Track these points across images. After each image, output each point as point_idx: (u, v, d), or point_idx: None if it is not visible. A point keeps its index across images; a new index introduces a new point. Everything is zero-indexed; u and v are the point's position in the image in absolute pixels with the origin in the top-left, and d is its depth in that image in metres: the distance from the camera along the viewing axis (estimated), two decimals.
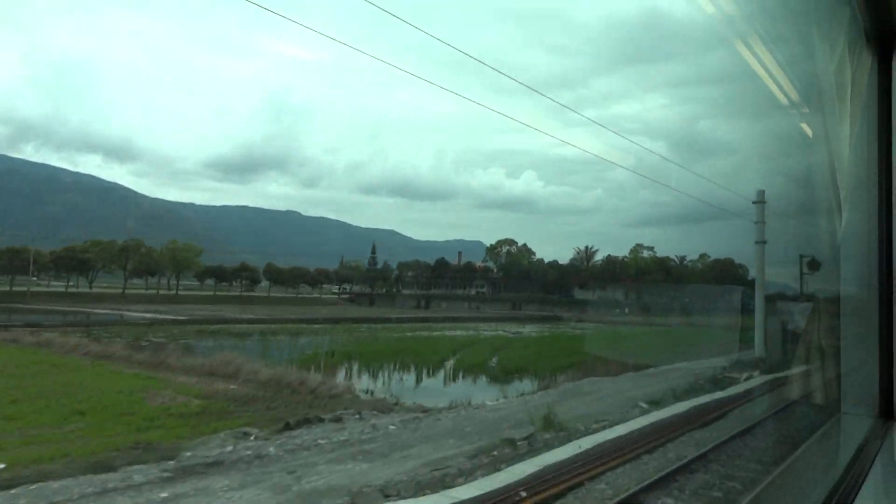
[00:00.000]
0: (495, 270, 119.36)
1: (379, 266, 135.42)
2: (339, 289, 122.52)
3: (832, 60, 3.42)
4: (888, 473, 2.52)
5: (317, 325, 52.44)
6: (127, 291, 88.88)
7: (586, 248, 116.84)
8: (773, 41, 3.83)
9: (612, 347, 39.67)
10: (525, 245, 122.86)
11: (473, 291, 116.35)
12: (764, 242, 27.77)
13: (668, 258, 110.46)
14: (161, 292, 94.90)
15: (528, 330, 58.05)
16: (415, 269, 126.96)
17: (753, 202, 27.56)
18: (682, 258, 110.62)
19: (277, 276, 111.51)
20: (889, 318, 3.15)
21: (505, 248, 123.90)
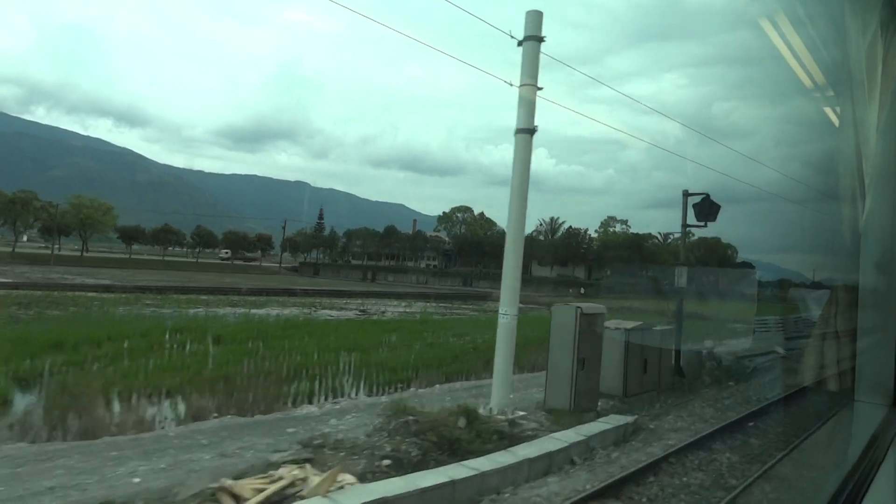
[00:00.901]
0: (447, 241, 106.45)
1: (326, 232, 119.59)
2: (287, 258, 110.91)
3: (863, 42, 3.32)
4: None
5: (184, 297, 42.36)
6: (18, 251, 77.21)
7: (551, 219, 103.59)
8: (799, 20, 3.72)
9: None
10: (482, 214, 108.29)
11: (424, 264, 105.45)
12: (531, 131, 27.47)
13: (649, 235, 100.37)
14: (67, 254, 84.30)
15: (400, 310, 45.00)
16: (363, 237, 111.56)
17: None
18: (667, 235, 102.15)
19: (208, 240, 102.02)
20: None
21: (460, 216, 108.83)
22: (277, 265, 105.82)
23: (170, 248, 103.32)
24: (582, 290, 76.30)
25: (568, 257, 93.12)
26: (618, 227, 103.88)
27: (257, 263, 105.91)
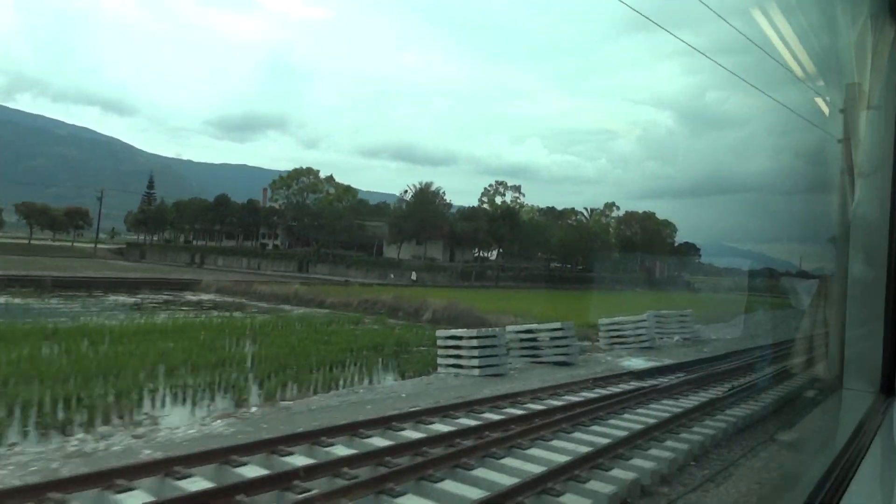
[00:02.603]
0: (281, 209, 78.58)
1: (154, 205, 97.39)
2: (108, 236, 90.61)
3: (853, 33, 3.35)
4: (888, 449, 2.56)
5: None
6: None
7: (420, 183, 73.82)
8: (791, 11, 3.74)
9: None
10: (332, 177, 76.65)
11: (265, 243, 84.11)
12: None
13: (572, 210, 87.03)
14: None
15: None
16: (193, 210, 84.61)
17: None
18: (593, 210, 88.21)
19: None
20: (895, 295, 3.16)
21: (296, 184, 74.56)
22: (92, 246, 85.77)
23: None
24: (414, 277, 59.31)
25: (420, 232, 66.87)
26: (508, 196, 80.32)
27: (70, 244, 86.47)
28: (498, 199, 79.55)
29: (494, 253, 76.13)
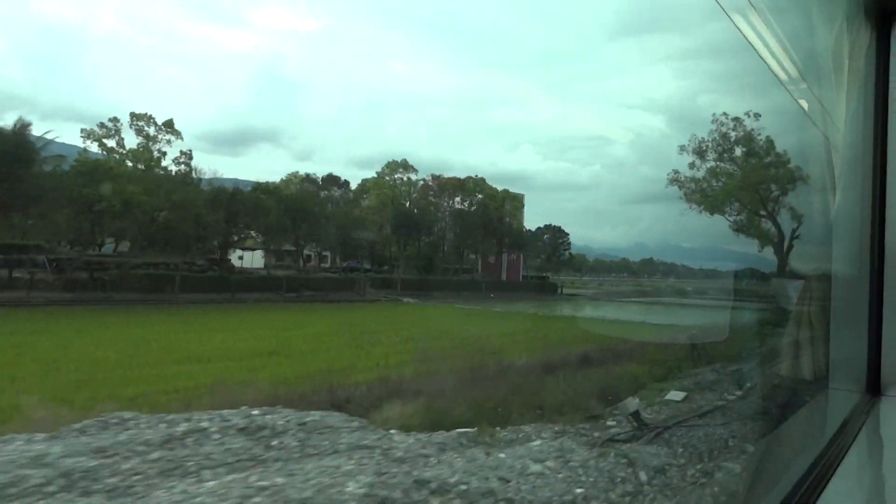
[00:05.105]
0: None
1: None
2: None
3: (830, 36, 3.39)
4: (872, 446, 2.57)
5: None
6: None
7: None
8: (771, 14, 3.79)
9: None
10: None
11: None
12: None
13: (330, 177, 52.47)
14: None
15: None
16: None
17: None
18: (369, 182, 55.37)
19: None
20: (879, 296, 3.17)
21: None
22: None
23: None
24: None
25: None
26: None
27: None
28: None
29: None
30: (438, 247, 54.75)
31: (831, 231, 3.45)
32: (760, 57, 4.15)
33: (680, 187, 30.05)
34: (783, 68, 4.20)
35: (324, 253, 50.97)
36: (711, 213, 29.48)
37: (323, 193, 51.92)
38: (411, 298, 40.93)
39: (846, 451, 2.22)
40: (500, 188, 57.67)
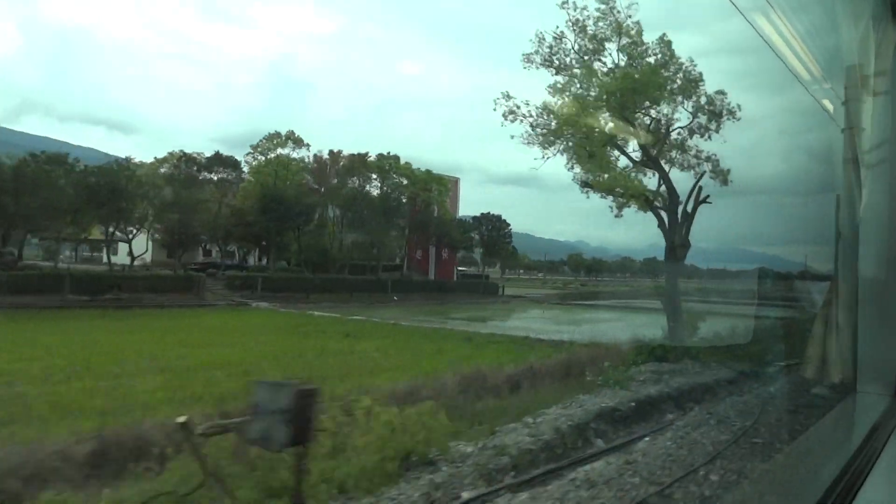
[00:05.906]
0: None
1: None
2: None
3: (855, 35, 3.35)
4: None
5: None
6: None
7: None
8: (794, 13, 3.75)
9: None
10: None
11: None
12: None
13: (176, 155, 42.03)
14: None
15: None
16: None
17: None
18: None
19: None
20: None
21: None
22: None
23: None
24: None
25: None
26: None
27: None
28: None
29: None
30: (336, 238, 44.22)
31: (857, 230, 3.40)
32: (781, 55, 4.10)
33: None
34: (805, 67, 4.15)
35: (208, 247, 43.66)
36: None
37: (215, 176, 42.42)
38: (266, 303, 33.01)
39: (877, 458, 2.17)
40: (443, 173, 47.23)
